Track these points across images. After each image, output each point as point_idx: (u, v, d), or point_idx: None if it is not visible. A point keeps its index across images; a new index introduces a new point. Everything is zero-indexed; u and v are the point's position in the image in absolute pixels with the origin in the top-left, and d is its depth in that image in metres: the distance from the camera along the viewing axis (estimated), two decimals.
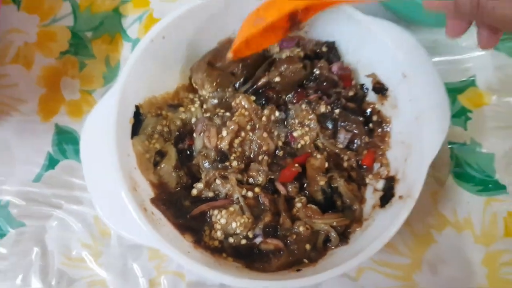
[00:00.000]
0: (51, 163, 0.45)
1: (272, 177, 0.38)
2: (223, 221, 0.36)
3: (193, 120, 0.41)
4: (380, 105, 0.41)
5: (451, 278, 0.40)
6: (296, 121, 0.40)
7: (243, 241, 0.36)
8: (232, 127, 0.38)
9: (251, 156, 0.39)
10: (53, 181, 0.45)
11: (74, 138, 0.46)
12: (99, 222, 0.43)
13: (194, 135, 0.40)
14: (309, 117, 0.39)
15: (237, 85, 0.41)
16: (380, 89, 0.40)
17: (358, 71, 0.42)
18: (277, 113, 0.40)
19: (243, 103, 0.39)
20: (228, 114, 0.40)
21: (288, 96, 0.41)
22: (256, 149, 0.39)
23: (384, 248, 0.39)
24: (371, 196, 0.38)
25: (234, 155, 0.39)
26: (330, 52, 0.43)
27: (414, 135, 0.36)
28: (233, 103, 0.40)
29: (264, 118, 0.39)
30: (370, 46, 0.39)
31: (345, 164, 0.40)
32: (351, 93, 0.41)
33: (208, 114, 0.41)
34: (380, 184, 0.38)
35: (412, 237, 0.41)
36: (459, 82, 0.46)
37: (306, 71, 0.41)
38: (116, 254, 0.42)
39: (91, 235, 0.43)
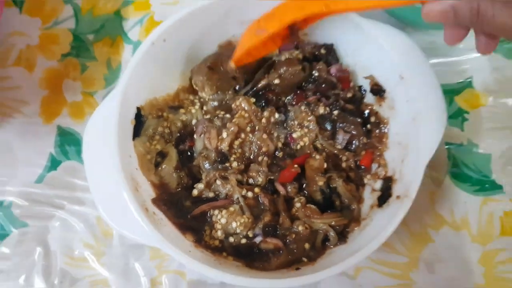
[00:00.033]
0: (53, 164, 0.46)
1: (272, 177, 0.39)
2: (223, 221, 0.36)
3: (194, 121, 0.41)
4: (378, 107, 0.41)
5: (448, 276, 0.41)
6: (296, 122, 0.40)
7: (243, 241, 0.37)
8: (232, 128, 0.39)
9: (251, 157, 0.39)
10: (55, 182, 0.45)
11: (76, 140, 0.46)
12: (101, 223, 0.44)
13: (195, 136, 0.40)
14: (308, 118, 0.40)
15: (237, 87, 0.42)
16: (378, 90, 0.41)
17: (356, 73, 0.43)
18: (276, 115, 0.40)
19: (243, 105, 0.39)
20: (228, 116, 0.40)
21: (287, 98, 0.42)
22: (256, 150, 0.39)
23: (382, 247, 0.39)
24: (369, 196, 0.39)
25: (234, 156, 0.39)
26: (329, 54, 0.43)
27: (411, 136, 0.37)
28: (233, 105, 0.40)
29: (264, 120, 0.40)
30: (368, 49, 0.40)
31: (344, 165, 0.40)
32: (349, 95, 0.42)
33: (208, 116, 0.41)
34: (378, 184, 0.39)
35: (409, 236, 0.42)
36: (456, 84, 0.46)
37: (305, 73, 0.42)
38: (118, 254, 0.43)
39: (93, 235, 0.43)
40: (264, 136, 0.39)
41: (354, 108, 0.41)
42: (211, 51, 0.43)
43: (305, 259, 0.36)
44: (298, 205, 0.38)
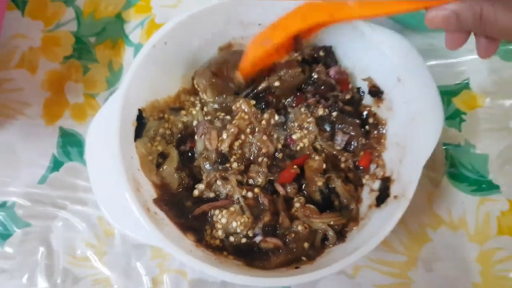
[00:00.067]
0: (56, 165, 0.46)
1: (272, 178, 0.39)
2: (224, 220, 0.37)
3: (195, 123, 0.41)
4: (376, 108, 0.42)
5: (446, 275, 0.41)
6: (296, 124, 0.40)
7: (244, 240, 0.37)
8: (232, 130, 0.39)
9: (251, 158, 0.40)
10: (58, 182, 0.45)
11: (78, 141, 0.47)
12: (103, 222, 0.44)
13: (196, 137, 0.41)
14: (308, 120, 0.40)
15: (238, 91, 0.42)
16: (376, 92, 0.41)
17: (355, 75, 0.43)
18: (276, 117, 0.41)
19: (243, 107, 0.40)
20: (228, 117, 0.41)
21: (287, 100, 0.42)
22: (255, 152, 0.40)
23: (380, 246, 0.40)
24: (368, 196, 0.39)
25: (234, 157, 0.39)
26: (327, 56, 0.44)
27: (409, 137, 0.37)
28: (233, 107, 0.41)
29: (263, 122, 0.40)
30: (366, 51, 0.40)
31: (343, 165, 0.41)
32: (348, 96, 0.42)
33: (209, 117, 0.41)
34: (376, 185, 0.39)
35: (407, 236, 0.42)
36: (454, 85, 0.47)
37: (304, 76, 0.42)
38: (120, 253, 0.43)
39: (95, 235, 0.44)
40: (264, 137, 0.40)
41: (352, 110, 0.42)
42: (212, 53, 0.43)
43: (304, 258, 0.37)
44: (297, 205, 0.38)
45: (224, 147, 0.39)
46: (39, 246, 0.44)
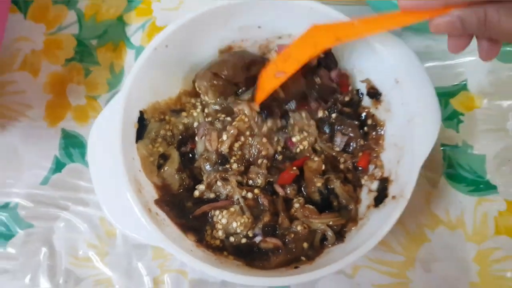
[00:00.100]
0: (58, 166, 0.46)
1: (271, 179, 0.39)
2: (224, 221, 0.37)
3: (195, 124, 0.42)
4: (375, 109, 0.42)
5: (444, 275, 0.42)
6: (296, 128, 0.41)
7: (244, 240, 0.38)
8: (232, 131, 0.39)
9: (251, 159, 0.40)
10: (60, 184, 0.46)
11: (80, 142, 0.47)
12: (105, 223, 0.44)
13: (196, 138, 0.41)
14: (309, 123, 0.41)
15: (239, 92, 0.43)
16: (374, 94, 0.42)
17: (353, 77, 0.44)
18: (278, 122, 0.41)
19: (245, 110, 0.40)
20: (229, 118, 0.41)
21: (289, 104, 0.42)
22: (255, 153, 0.40)
23: (379, 247, 0.40)
24: (366, 196, 0.40)
25: (234, 158, 0.40)
26: (327, 58, 0.44)
27: (406, 138, 0.38)
28: (235, 109, 0.41)
29: (264, 128, 0.40)
30: (364, 53, 0.41)
31: (342, 166, 0.41)
32: (347, 98, 0.43)
33: (209, 119, 0.42)
34: (375, 185, 0.39)
35: (406, 236, 0.43)
36: (451, 86, 0.47)
37: (309, 85, 0.42)
38: (121, 253, 0.43)
39: (97, 235, 0.44)
40: (264, 140, 0.40)
41: (351, 111, 0.42)
42: (212, 56, 0.44)
43: (303, 258, 0.37)
44: (296, 205, 0.39)
45: (224, 148, 0.39)
46: (41, 246, 0.44)
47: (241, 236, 0.38)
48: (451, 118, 0.46)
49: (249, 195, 0.38)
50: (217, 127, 0.41)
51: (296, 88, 0.42)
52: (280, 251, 0.37)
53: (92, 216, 0.45)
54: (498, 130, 0.46)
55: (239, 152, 0.40)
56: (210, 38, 0.42)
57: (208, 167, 0.40)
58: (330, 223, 0.38)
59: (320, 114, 0.42)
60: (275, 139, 0.41)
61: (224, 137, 0.39)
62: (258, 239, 0.38)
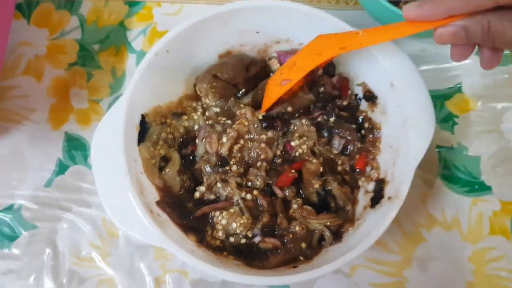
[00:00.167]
0: (61, 168, 0.47)
1: (270, 182, 0.40)
2: (224, 221, 0.38)
3: (196, 127, 0.43)
4: (371, 112, 0.43)
5: (440, 274, 0.43)
6: (296, 134, 0.41)
7: (243, 240, 0.38)
8: (232, 134, 0.40)
9: (250, 161, 0.41)
10: (63, 185, 0.46)
11: (82, 145, 0.48)
12: (107, 224, 0.45)
13: (197, 141, 0.42)
14: (309, 129, 0.41)
15: (239, 94, 0.44)
16: (370, 97, 0.43)
17: (350, 80, 0.45)
18: (279, 134, 0.41)
19: (247, 115, 0.41)
20: (229, 122, 0.42)
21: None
22: (255, 156, 0.41)
23: (376, 246, 0.41)
24: (363, 197, 0.40)
25: (234, 160, 0.40)
26: (328, 64, 0.44)
27: (402, 140, 0.38)
28: (237, 112, 0.42)
29: (264, 136, 0.41)
30: (360, 58, 0.42)
31: (339, 168, 0.42)
32: (345, 103, 0.43)
33: (210, 122, 0.43)
34: (371, 186, 0.40)
35: (402, 236, 0.44)
36: (447, 89, 0.48)
37: (314, 98, 0.43)
38: (124, 254, 0.44)
39: (99, 236, 0.45)
40: (263, 144, 0.40)
41: (349, 115, 0.43)
42: (212, 60, 0.45)
43: (302, 258, 0.38)
44: (295, 206, 0.39)
45: (224, 151, 0.40)
46: (45, 247, 0.45)
47: (240, 236, 0.38)
48: (446, 120, 0.47)
49: (249, 196, 0.39)
50: (218, 129, 0.41)
51: (304, 103, 0.43)
52: (279, 251, 0.38)
53: (94, 217, 0.45)
54: (493, 132, 0.47)
55: (239, 154, 0.41)
56: (210, 42, 0.43)
57: (208, 169, 0.41)
58: (328, 223, 0.38)
59: (319, 118, 0.43)
60: (275, 143, 0.42)
61: (224, 139, 0.40)
62: (257, 239, 0.38)
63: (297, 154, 0.41)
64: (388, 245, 0.43)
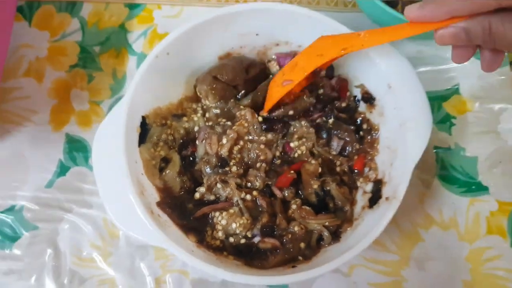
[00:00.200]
0: (63, 170, 0.47)
1: (269, 182, 0.40)
2: (223, 222, 0.38)
3: (196, 128, 0.43)
4: (369, 114, 0.44)
5: (437, 273, 0.43)
6: (295, 136, 0.42)
7: (243, 241, 0.39)
8: (232, 135, 0.40)
9: (249, 162, 0.41)
10: (64, 186, 0.47)
11: (83, 147, 0.48)
12: (108, 225, 0.45)
13: (197, 142, 0.42)
14: (309, 130, 0.42)
15: (239, 96, 0.44)
16: (368, 98, 0.43)
17: (349, 82, 0.45)
18: (278, 136, 0.42)
19: (247, 116, 0.41)
20: (229, 123, 0.42)
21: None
22: (254, 157, 0.41)
23: (374, 246, 0.42)
24: (361, 197, 0.41)
25: (233, 161, 0.41)
26: (328, 67, 0.45)
27: (399, 141, 0.39)
28: (237, 113, 0.42)
29: (263, 138, 0.41)
30: (358, 59, 0.42)
31: (338, 169, 0.42)
32: (343, 104, 0.44)
33: (210, 123, 0.43)
34: (369, 187, 0.41)
35: (400, 236, 0.44)
36: (444, 90, 0.49)
37: (315, 100, 0.43)
38: (124, 254, 0.44)
39: (100, 236, 0.45)
40: (262, 146, 0.41)
41: (347, 117, 0.44)
42: (212, 62, 0.45)
43: (300, 258, 0.38)
44: (294, 206, 0.40)
45: (224, 152, 0.40)
46: (46, 248, 0.45)
47: (240, 236, 0.39)
48: (443, 121, 0.48)
49: (248, 197, 0.39)
50: (217, 131, 0.42)
51: (305, 106, 0.43)
52: (278, 251, 0.38)
53: (95, 217, 0.46)
54: (490, 133, 0.47)
55: (239, 156, 0.41)
56: (210, 45, 0.44)
57: (208, 170, 0.41)
58: (326, 223, 0.39)
59: (318, 120, 0.43)
60: (274, 144, 0.42)
61: (224, 140, 0.40)
62: (256, 239, 0.39)
63: (296, 155, 0.42)
64: (386, 245, 0.44)
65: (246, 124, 0.41)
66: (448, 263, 0.43)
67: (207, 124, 0.43)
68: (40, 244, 0.45)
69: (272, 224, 0.39)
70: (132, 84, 0.39)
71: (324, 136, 0.43)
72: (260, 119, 0.42)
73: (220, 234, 0.39)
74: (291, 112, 0.42)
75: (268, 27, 0.43)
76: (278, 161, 0.42)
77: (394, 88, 0.40)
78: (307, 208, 0.40)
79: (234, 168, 0.40)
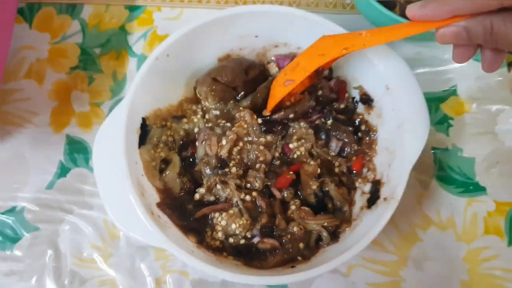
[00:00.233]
0: (63, 171, 0.48)
1: (269, 183, 0.41)
2: (223, 223, 0.39)
3: (196, 130, 0.43)
4: (367, 115, 0.44)
5: (435, 274, 0.43)
6: (295, 137, 0.42)
7: (242, 241, 0.39)
8: (231, 136, 0.41)
9: (249, 163, 0.42)
10: (65, 188, 0.47)
11: (84, 148, 0.48)
12: (109, 226, 0.46)
13: (197, 143, 0.42)
14: (307, 132, 0.42)
15: (238, 97, 0.44)
16: (367, 100, 0.43)
17: (348, 84, 0.45)
18: (278, 138, 0.42)
19: (246, 117, 0.41)
20: (228, 124, 0.42)
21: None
22: (254, 158, 0.41)
23: (372, 246, 0.42)
24: (359, 198, 0.41)
25: (233, 162, 0.41)
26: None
27: (397, 142, 0.39)
28: (237, 115, 0.42)
29: (263, 139, 0.41)
30: (356, 61, 0.42)
31: (337, 170, 0.43)
32: (342, 106, 0.44)
33: (210, 125, 0.43)
34: (367, 187, 0.41)
35: (398, 236, 0.44)
36: (442, 92, 0.49)
37: (314, 102, 0.44)
38: (125, 255, 0.45)
39: (101, 237, 0.45)
40: (261, 147, 0.41)
41: (345, 118, 0.44)
42: (212, 64, 0.45)
43: (300, 258, 0.38)
44: (293, 207, 0.40)
45: (224, 153, 0.41)
46: (47, 249, 0.45)
47: (240, 237, 0.39)
48: (441, 122, 0.48)
49: (248, 197, 0.39)
50: (217, 132, 0.42)
51: (304, 108, 0.43)
52: (277, 251, 0.38)
53: (96, 219, 0.46)
54: (487, 134, 0.47)
55: (238, 157, 0.41)
56: (210, 46, 0.44)
57: (208, 171, 0.41)
58: (325, 224, 0.39)
59: (317, 121, 0.43)
60: (273, 146, 0.42)
61: (224, 141, 0.41)
62: (256, 240, 0.39)
63: (295, 156, 0.42)
64: (385, 245, 0.44)
65: (245, 126, 0.41)
66: (446, 263, 0.43)
67: (206, 125, 0.43)
68: (40, 245, 0.45)
69: (271, 224, 0.39)
70: (132, 86, 0.40)
71: (323, 137, 0.43)
72: (260, 120, 0.42)
73: (219, 234, 0.39)
74: (291, 115, 0.43)
75: (267, 29, 0.44)
76: (277, 162, 0.42)
77: (392, 89, 0.40)
78: (306, 208, 0.40)
79: (233, 169, 0.41)
